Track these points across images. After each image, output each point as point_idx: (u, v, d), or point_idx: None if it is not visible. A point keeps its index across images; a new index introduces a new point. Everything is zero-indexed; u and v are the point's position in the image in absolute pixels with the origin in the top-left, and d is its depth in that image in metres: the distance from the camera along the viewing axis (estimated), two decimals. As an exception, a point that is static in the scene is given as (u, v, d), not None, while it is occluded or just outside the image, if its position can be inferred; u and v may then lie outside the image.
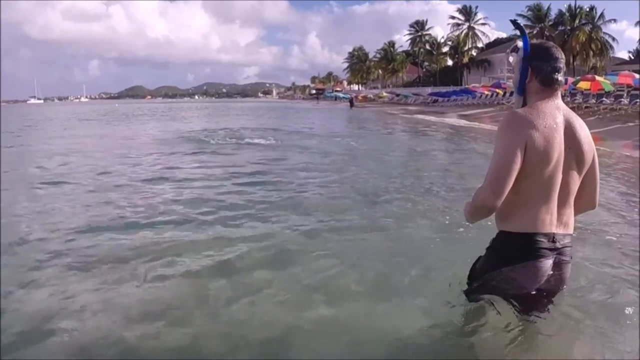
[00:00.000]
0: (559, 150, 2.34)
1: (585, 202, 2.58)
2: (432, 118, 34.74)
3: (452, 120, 32.33)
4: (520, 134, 2.29)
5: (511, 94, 39.71)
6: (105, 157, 12.85)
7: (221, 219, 6.05)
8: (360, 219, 6.06)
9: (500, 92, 41.76)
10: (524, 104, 2.48)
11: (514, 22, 2.80)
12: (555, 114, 2.38)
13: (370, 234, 5.38)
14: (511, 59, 2.61)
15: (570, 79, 34.99)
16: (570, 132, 2.39)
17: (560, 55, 2.46)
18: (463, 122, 29.13)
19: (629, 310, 3.29)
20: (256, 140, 16.91)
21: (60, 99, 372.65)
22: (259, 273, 4.25)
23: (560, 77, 2.44)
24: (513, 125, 2.35)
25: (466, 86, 56.26)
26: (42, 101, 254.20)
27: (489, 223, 2.69)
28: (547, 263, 2.46)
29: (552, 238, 2.43)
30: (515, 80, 2.58)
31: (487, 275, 2.63)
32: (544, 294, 2.60)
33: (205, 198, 7.32)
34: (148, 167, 11.01)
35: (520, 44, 2.53)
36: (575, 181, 2.46)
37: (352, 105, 60.82)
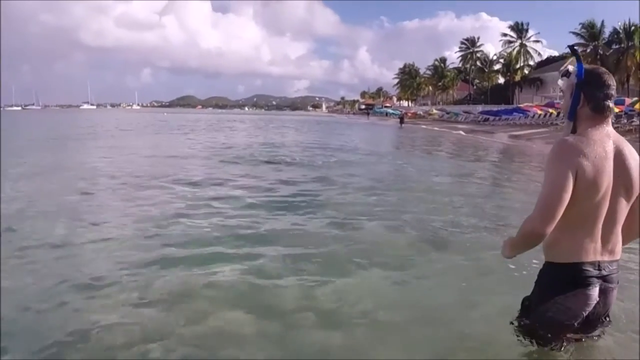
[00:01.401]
0: (608, 179, 2.35)
1: (633, 229, 2.61)
2: (492, 139, 34.79)
3: (517, 142, 31.75)
4: (571, 162, 2.31)
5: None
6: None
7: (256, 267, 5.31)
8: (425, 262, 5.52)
9: (554, 111, 41.57)
10: (574, 130, 2.52)
11: (571, 47, 2.78)
12: (605, 141, 2.39)
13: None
14: (561, 82, 2.62)
15: (628, 100, 34.80)
16: (619, 160, 2.40)
17: (612, 82, 2.47)
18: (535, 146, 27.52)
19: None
20: (314, 159, 16.97)
21: (112, 105, 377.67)
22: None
23: (611, 104, 2.46)
24: (563, 153, 2.37)
25: (518, 105, 55.81)
26: (94, 107, 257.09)
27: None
28: (595, 291, 2.50)
29: (597, 266, 2.47)
30: (565, 106, 2.58)
31: (542, 308, 2.64)
32: (592, 319, 2.65)
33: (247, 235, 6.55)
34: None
35: (571, 68, 2.56)
36: (623, 209, 2.46)
37: (402, 122, 59.92)
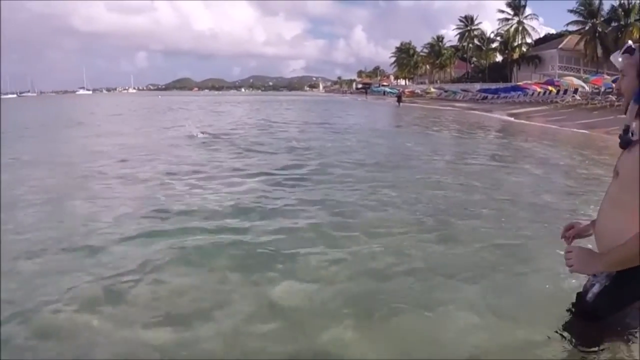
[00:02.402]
0: None
1: None
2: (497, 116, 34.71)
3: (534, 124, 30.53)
4: None
5: (565, 92, 39.90)
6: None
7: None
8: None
9: (554, 89, 41.52)
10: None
11: None
12: None
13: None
14: (620, 60, 2.30)
15: (606, 77, 35.63)
16: None
17: None
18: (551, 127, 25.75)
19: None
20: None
21: (108, 89, 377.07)
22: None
23: None
24: None
25: (517, 83, 55.70)
26: (90, 92, 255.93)
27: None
28: None
29: None
30: (632, 86, 2.25)
31: (619, 315, 2.43)
32: None
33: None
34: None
35: (632, 43, 2.30)
36: None
37: (399, 101, 57.19)
